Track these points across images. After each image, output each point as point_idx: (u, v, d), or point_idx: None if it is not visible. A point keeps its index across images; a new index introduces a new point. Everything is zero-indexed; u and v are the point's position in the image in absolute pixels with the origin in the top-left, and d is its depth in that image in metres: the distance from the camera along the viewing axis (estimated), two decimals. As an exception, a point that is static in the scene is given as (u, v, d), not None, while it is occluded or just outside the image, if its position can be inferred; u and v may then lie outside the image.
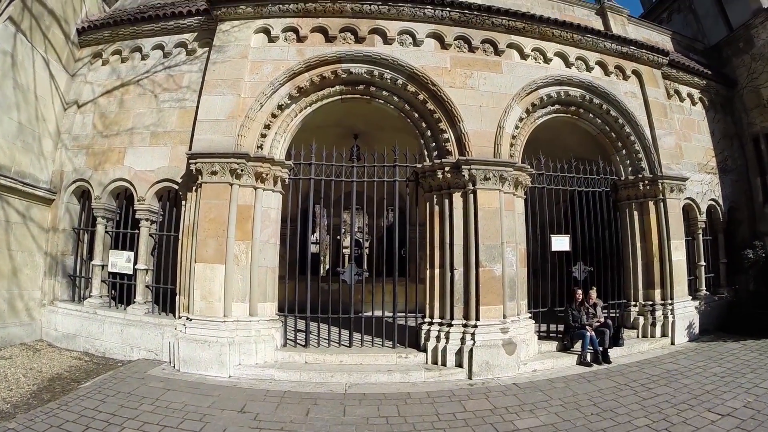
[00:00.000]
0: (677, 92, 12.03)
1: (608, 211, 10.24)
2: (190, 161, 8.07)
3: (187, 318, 7.76)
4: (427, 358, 8.04)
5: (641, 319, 10.35)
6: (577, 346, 8.77)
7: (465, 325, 7.98)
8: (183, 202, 8.67)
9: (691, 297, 10.50)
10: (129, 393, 6.29)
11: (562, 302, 9.22)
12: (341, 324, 8.49)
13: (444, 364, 7.87)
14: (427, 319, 8.22)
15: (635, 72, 10.69)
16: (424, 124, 8.84)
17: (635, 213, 10.73)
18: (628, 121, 10.28)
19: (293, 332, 8.75)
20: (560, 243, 9.82)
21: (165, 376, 7.07)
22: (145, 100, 9.56)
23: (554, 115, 10.21)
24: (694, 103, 12.33)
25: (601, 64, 10.32)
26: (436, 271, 8.31)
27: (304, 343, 8.33)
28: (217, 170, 8.02)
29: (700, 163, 11.96)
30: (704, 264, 11.65)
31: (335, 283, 9.08)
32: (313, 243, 22.85)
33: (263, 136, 8.51)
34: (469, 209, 8.39)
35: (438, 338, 7.89)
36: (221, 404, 6.12)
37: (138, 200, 9.22)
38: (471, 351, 7.52)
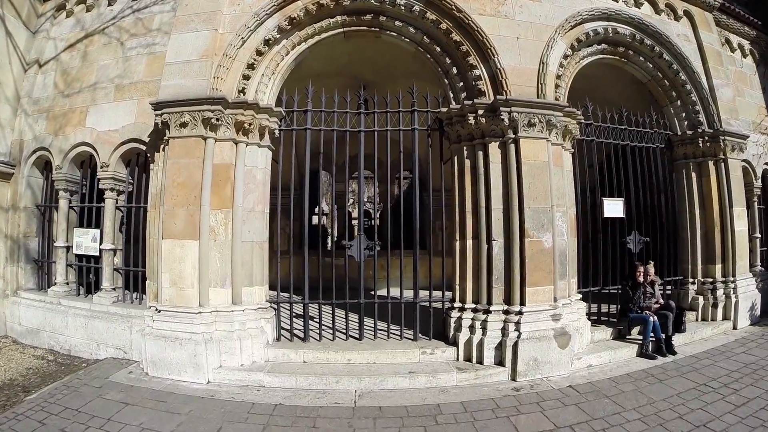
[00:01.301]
0: (728, 41, 10.13)
1: (663, 171, 8.53)
2: (156, 113, 6.31)
3: (156, 309, 6.10)
4: (458, 353, 6.24)
5: (700, 300, 8.53)
6: (635, 332, 7.31)
7: (506, 312, 6.18)
8: (151, 166, 6.90)
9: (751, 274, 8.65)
10: (77, 410, 4.83)
11: (614, 279, 7.66)
12: (349, 308, 6.66)
13: (480, 361, 6.06)
14: (456, 304, 6.47)
15: (686, 13, 8.82)
16: (448, 60, 6.86)
17: (693, 175, 8.76)
18: (683, 67, 8.36)
19: (293, 320, 7.01)
20: (613, 208, 7.94)
21: (129, 383, 5.61)
22: (111, 49, 7.74)
23: (600, 56, 7.98)
24: (744, 55, 10.49)
25: (651, 0, 8.34)
26: (468, 243, 6.43)
27: (302, 336, 6.57)
28: (186, 121, 6.15)
29: (754, 121, 10.00)
30: (759, 236, 10.01)
31: (341, 258, 6.99)
32: (317, 214, 20.58)
33: (246, 78, 6.60)
34: (510, 164, 6.42)
35: (472, 328, 6.21)
36: (189, 427, 4.52)
37: (101, 167, 7.62)
38: (515, 345, 5.83)
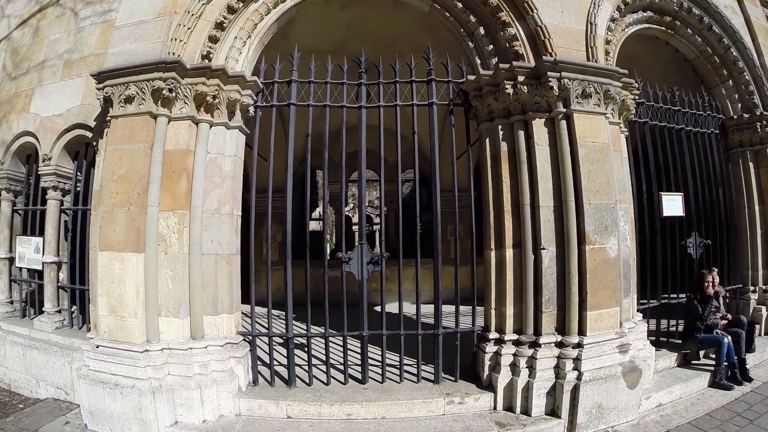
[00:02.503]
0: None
1: (720, 161, 6.80)
2: (97, 87, 4.56)
3: (95, 344, 4.32)
4: (495, 401, 4.34)
5: (763, 311, 6.75)
6: (700, 353, 5.65)
7: (561, 345, 4.31)
8: (96, 157, 5.09)
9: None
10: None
11: (672, 290, 5.89)
12: (348, 328, 4.59)
13: (526, 411, 4.20)
14: (492, 334, 4.56)
15: (732, -17, 6.83)
16: (472, 18, 4.99)
17: (750, 165, 7.00)
18: (734, 42, 6.71)
19: (274, 353, 4.75)
20: (672, 205, 6.08)
21: (61, 443, 3.81)
22: (63, 21, 6.00)
23: (646, 25, 6.21)
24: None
25: (696, -33, 6.33)
26: (508, 253, 4.48)
27: (287, 378, 4.57)
28: (132, 94, 4.34)
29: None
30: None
31: (337, 268, 4.80)
32: (314, 219, 18.35)
33: (213, 40, 4.75)
34: (562, 147, 4.49)
35: (514, 368, 4.35)
36: None
37: (43, 160, 5.89)
38: (575, 389, 4.05)
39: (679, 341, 5.79)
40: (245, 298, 4.72)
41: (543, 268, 4.19)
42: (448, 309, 4.74)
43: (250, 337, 4.53)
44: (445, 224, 9.87)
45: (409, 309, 4.83)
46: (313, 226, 21.97)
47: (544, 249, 4.21)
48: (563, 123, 4.44)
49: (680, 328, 5.91)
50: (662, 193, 5.88)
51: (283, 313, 4.53)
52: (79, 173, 5.75)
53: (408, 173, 15.73)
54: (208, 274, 4.31)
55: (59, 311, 5.70)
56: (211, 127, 4.53)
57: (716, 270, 6.01)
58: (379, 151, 4.68)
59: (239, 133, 4.63)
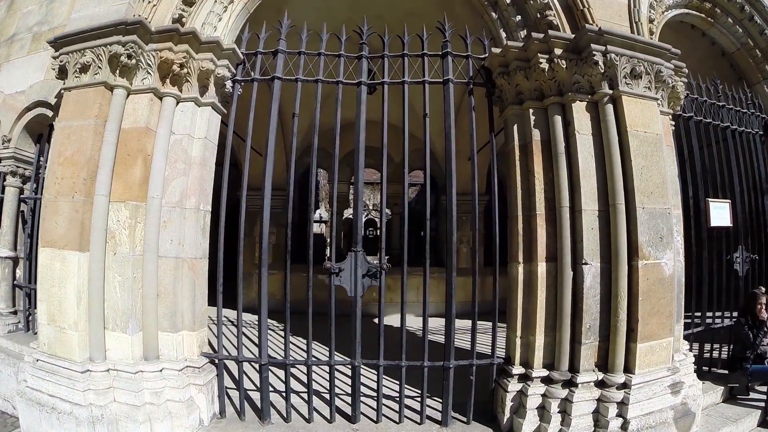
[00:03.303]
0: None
1: (765, 165, 5.52)
2: (53, 56, 3.79)
3: (35, 358, 3.52)
4: None
5: None
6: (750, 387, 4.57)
7: (602, 384, 3.35)
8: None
9: None
10: None
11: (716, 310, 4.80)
12: (338, 334, 3.54)
13: None
14: (516, 369, 3.54)
15: (769, -31, 6.17)
16: None
17: None
18: None
19: (243, 380, 3.64)
20: (720, 213, 4.85)
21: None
22: None
23: (686, 10, 5.09)
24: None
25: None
26: (539, 267, 3.47)
27: (261, 408, 3.61)
28: (88, 62, 3.51)
29: None
30: None
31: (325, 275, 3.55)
32: (316, 221, 17.42)
33: (188, 3, 3.78)
34: (609, 136, 3.52)
35: (543, 411, 3.38)
36: None
37: (2, 142, 4.97)
38: None
39: (724, 371, 4.81)
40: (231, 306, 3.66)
41: (585, 288, 3.19)
42: (459, 324, 3.65)
43: (218, 360, 3.45)
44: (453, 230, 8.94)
45: (412, 322, 3.78)
46: (314, 228, 20.90)
47: (586, 264, 3.21)
48: (609, 108, 3.49)
49: (723, 354, 4.91)
50: (709, 199, 4.79)
51: (276, 322, 3.46)
52: (42, 158, 4.75)
53: (413, 176, 14.49)
54: (165, 281, 3.36)
55: (14, 312, 4.79)
56: (178, 103, 3.64)
57: (763, 289, 4.91)
58: (381, 146, 3.58)
59: (212, 112, 3.70)
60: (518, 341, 3.44)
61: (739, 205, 5.17)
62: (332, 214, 3.31)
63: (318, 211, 16.45)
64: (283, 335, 3.47)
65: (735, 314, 4.82)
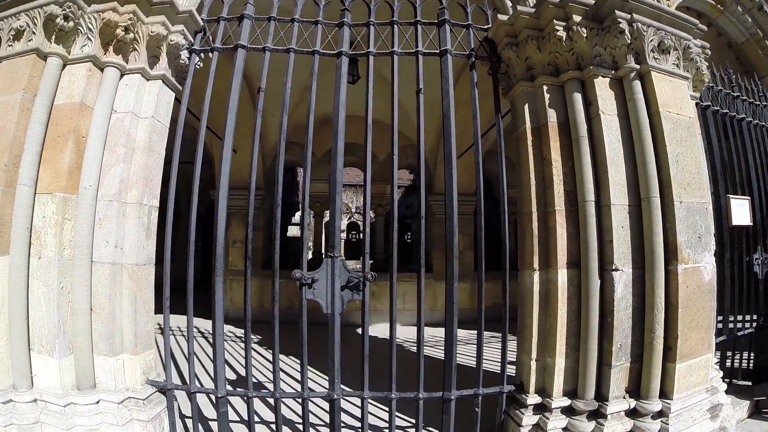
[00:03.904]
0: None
1: None
2: None
3: None
4: None
5: None
6: None
7: (635, 413, 2.70)
8: None
9: None
10: None
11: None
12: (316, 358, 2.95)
13: None
14: (531, 398, 2.81)
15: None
16: None
17: None
18: None
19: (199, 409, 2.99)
20: (741, 211, 4.24)
21: None
22: None
23: None
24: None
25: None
26: (559, 275, 2.75)
27: None
28: (22, 27, 2.81)
29: None
30: None
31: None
32: (295, 224, 16.68)
33: None
34: (638, 117, 2.88)
35: None
36: None
37: None
38: None
39: (746, 383, 4.30)
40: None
41: (615, 299, 2.60)
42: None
43: (167, 389, 2.78)
44: (442, 233, 8.27)
45: (398, 332, 3.16)
46: (294, 231, 19.86)
47: (616, 270, 2.63)
48: (636, 85, 2.96)
49: (743, 364, 4.33)
50: (730, 195, 4.25)
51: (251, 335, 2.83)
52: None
53: (398, 178, 13.75)
54: (100, 293, 2.71)
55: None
56: (122, 75, 2.99)
57: (786, 294, 4.42)
58: (365, 131, 2.95)
59: (163, 87, 3.07)
60: (533, 364, 2.81)
61: (757, 202, 4.71)
62: (303, 212, 2.57)
63: (298, 213, 15.75)
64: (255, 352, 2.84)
65: (756, 319, 4.34)
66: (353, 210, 21.98)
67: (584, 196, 2.77)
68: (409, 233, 20.56)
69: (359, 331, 2.92)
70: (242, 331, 6.99)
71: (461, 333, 3.38)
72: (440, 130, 5.33)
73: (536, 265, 2.83)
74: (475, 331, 2.88)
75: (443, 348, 3.94)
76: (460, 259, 8.30)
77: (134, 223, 2.84)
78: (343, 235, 21.62)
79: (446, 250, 2.32)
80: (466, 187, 7.79)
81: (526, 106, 3.02)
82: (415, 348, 3.96)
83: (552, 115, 2.94)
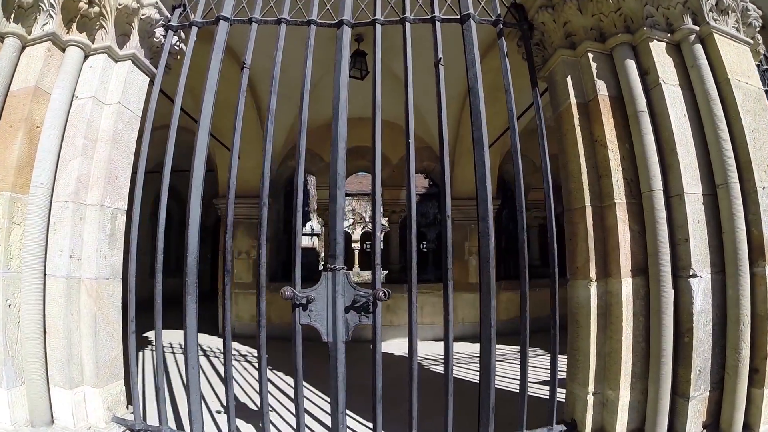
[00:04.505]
0: None
1: None
2: None
3: None
4: None
5: None
6: None
7: None
8: None
9: None
10: None
11: None
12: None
13: None
14: None
15: None
16: None
17: None
18: None
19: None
20: None
21: None
22: None
23: None
24: None
25: None
26: (623, 286, 2.10)
27: None
28: None
29: None
30: None
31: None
32: (306, 234, 16.19)
33: None
34: (705, 86, 2.26)
35: None
36: None
37: None
38: None
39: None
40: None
41: (694, 312, 2.06)
42: (473, 349, 2.49)
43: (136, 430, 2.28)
44: (461, 239, 7.64)
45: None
46: (305, 241, 19.19)
47: (694, 276, 2.07)
48: (698, 49, 2.40)
49: None
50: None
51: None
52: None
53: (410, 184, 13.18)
54: (55, 312, 2.23)
55: None
56: (87, 56, 2.46)
57: None
58: (373, 117, 2.42)
59: (133, 69, 2.60)
60: (590, 399, 2.21)
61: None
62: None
63: (309, 223, 15.21)
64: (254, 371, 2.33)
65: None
66: (367, 219, 21.24)
67: (650, 184, 2.18)
68: (424, 242, 19.83)
69: (370, 346, 2.38)
70: (247, 348, 6.50)
71: (470, 348, 2.86)
72: (458, 123, 4.83)
73: (593, 274, 2.21)
74: (498, 345, 2.36)
75: (466, 366, 3.40)
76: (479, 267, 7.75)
77: (94, 229, 2.34)
78: (357, 245, 20.86)
79: (480, 257, 1.79)
80: (469, 185, 7.27)
81: (569, 79, 2.46)
82: (435, 366, 3.41)
83: (602, 88, 2.38)
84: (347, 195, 21.71)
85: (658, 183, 2.17)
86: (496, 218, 8.16)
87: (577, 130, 2.36)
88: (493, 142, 2.80)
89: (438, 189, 9.33)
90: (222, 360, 5.31)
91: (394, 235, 8.76)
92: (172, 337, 4.77)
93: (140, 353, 5.33)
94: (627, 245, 2.18)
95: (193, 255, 2.05)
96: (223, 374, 4.39)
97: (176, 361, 5.32)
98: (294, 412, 2.02)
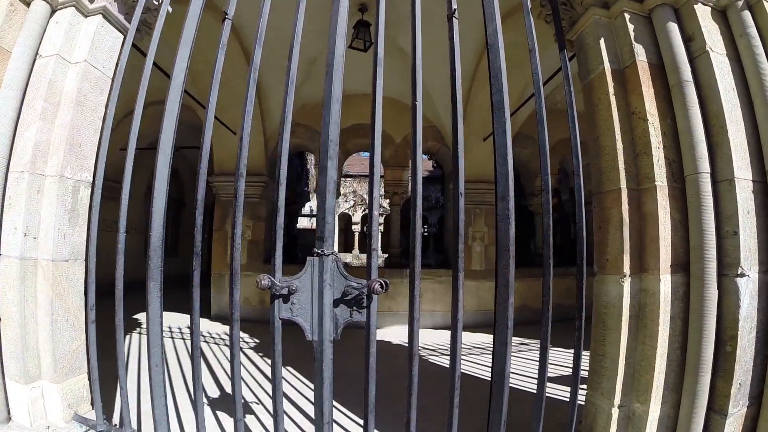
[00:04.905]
0: None
1: None
2: None
3: None
4: None
5: None
6: None
7: None
8: None
9: None
10: None
11: None
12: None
13: None
14: None
15: None
16: None
17: None
18: None
19: None
20: None
21: None
22: None
23: None
24: None
25: None
26: (661, 283, 1.78)
27: None
28: None
29: None
30: None
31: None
32: (305, 215, 15.86)
33: None
34: (756, 58, 1.90)
35: None
36: None
37: None
38: None
39: None
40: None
41: (740, 317, 1.72)
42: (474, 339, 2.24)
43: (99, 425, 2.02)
44: (466, 222, 7.27)
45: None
46: (304, 223, 18.76)
47: (741, 275, 1.73)
48: (747, 16, 2.05)
49: None
50: None
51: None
52: None
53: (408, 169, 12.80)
54: (9, 297, 1.95)
55: None
56: (54, 12, 2.12)
57: None
58: (374, 72, 2.09)
59: (105, 24, 2.29)
60: (615, 413, 1.91)
61: None
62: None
63: (309, 204, 14.89)
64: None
65: None
66: (361, 192, 20.82)
67: (696, 166, 1.85)
68: (425, 226, 19.46)
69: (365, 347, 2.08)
70: (240, 332, 6.19)
71: (475, 338, 2.61)
72: (464, 103, 4.45)
73: (627, 269, 1.89)
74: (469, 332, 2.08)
75: (465, 357, 3.14)
76: (485, 255, 7.43)
77: (52, 203, 2.03)
78: (357, 228, 20.34)
79: (498, 245, 1.48)
80: (490, 174, 6.79)
81: (602, 42, 2.11)
82: (434, 357, 3.17)
83: (641, 53, 2.03)
84: (348, 176, 21.05)
85: (705, 164, 1.85)
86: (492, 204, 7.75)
87: (612, 99, 2.02)
88: (515, 111, 2.46)
89: (442, 171, 8.92)
90: (209, 346, 5.08)
91: (396, 217, 8.47)
92: (166, 319, 4.55)
93: (128, 337, 5.09)
94: (668, 236, 1.86)
95: (157, 233, 1.69)
96: (211, 360, 4.12)
97: (174, 346, 5.09)
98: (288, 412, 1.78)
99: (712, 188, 1.88)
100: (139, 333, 5.42)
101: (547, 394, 2.78)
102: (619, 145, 1.96)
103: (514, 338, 2.26)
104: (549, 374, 3.26)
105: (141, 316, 6.82)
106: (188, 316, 6.21)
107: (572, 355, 1.86)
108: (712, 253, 1.80)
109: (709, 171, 1.88)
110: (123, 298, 1.91)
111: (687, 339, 1.86)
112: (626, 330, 1.88)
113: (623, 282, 1.92)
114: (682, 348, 1.88)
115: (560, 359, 4.25)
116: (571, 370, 2.07)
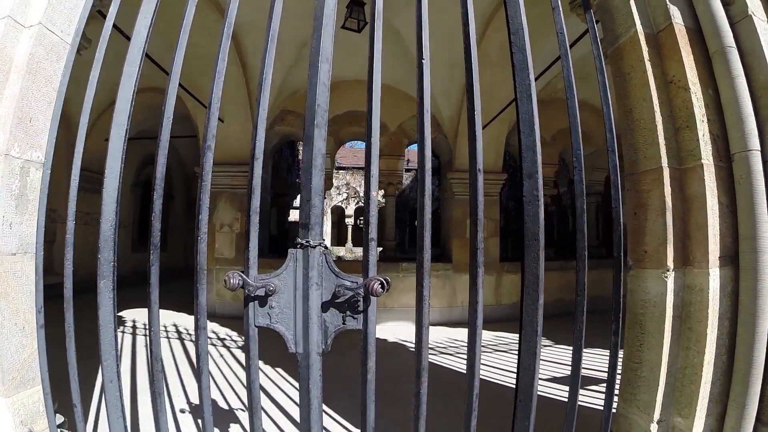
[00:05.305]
0: None
1: None
2: None
3: None
4: None
5: None
6: None
7: None
8: None
9: None
10: None
11: None
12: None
13: None
14: None
15: None
16: None
17: None
18: None
19: None
20: None
21: None
22: None
23: None
24: None
25: None
26: (709, 278, 1.48)
27: None
28: None
29: None
30: None
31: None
32: (296, 208, 15.48)
33: None
34: None
35: None
36: None
37: None
38: None
39: None
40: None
41: None
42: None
43: None
44: (463, 215, 6.94)
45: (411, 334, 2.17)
46: (296, 215, 18.17)
47: None
48: None
49: None
50: None
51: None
52: None
53: (406, 161, 12.46)
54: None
55: None
56: None
57: None
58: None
59: None
60: (654, 429, 1.61)
61: None
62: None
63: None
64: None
65: None
66: (361, 194, 20.26)
67: (744, 142, 1.56)
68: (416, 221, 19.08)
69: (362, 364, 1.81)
70: (228, 330, 5.85)
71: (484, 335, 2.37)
72: (462, 94, 4.23)
73: (670, 262, 1.60)
74: (500, 332, 1.83)
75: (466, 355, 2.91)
76: (486, 247, 7.13)
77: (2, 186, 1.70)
78: (350, 221, 19.81)
79: (525, 233, 1.21)
80: (490, 163, 6.68)
81: (633, 3, 1.77)
82: (432, 355, 2.96)
83: (677, 15, 1.73)
84: (341, 168, 20.38)
85: (755, 141, 1.57)
86: (492, 195, 7.41)
87: (647, 65, 1.71)
88: (539, 75, 2.15)
89: (438, 161, 8.63)
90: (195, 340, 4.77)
91: (390, 209, 8.18)
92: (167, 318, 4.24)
93: (120, 337, 4.79)
94: (716, 224, 1.58)
95: (108, 221, 1.39)
96: (195, 363, 3.79)
97: (170, 346, 4.76)
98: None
99: (763, 168, 1.60)
100: (123, 332, 5.14)
101: (546, 394, 2.51)
102: (659, 117, 1.67)
103: (514, 334, 2.03)
104: (556, 374, 3.01)
105: (125, 314, 6.66)
106: (174, 312, 5.92)
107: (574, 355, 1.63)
108: (765, 243, 1.52)
109: (759, 148, 1.60)
110: (72, 298, 1.61)
111: (735, 342, 1.59)
112: (669, 333, 1.61)
113: (666, 277, 1.63)
114: (729, 352, 1.61)
115: (555, 355, 4.00)
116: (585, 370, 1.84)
